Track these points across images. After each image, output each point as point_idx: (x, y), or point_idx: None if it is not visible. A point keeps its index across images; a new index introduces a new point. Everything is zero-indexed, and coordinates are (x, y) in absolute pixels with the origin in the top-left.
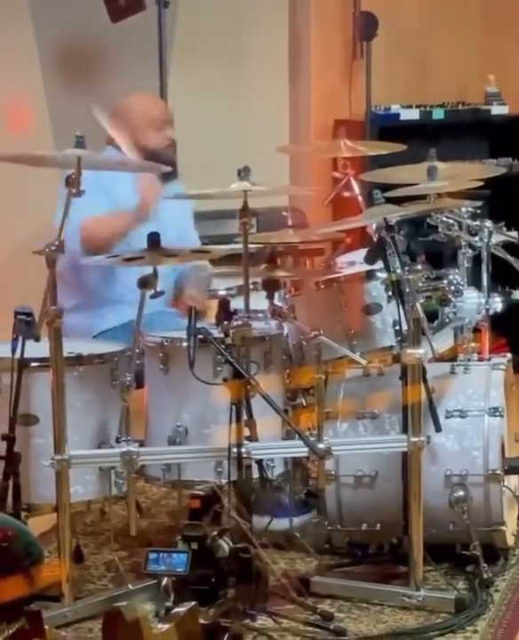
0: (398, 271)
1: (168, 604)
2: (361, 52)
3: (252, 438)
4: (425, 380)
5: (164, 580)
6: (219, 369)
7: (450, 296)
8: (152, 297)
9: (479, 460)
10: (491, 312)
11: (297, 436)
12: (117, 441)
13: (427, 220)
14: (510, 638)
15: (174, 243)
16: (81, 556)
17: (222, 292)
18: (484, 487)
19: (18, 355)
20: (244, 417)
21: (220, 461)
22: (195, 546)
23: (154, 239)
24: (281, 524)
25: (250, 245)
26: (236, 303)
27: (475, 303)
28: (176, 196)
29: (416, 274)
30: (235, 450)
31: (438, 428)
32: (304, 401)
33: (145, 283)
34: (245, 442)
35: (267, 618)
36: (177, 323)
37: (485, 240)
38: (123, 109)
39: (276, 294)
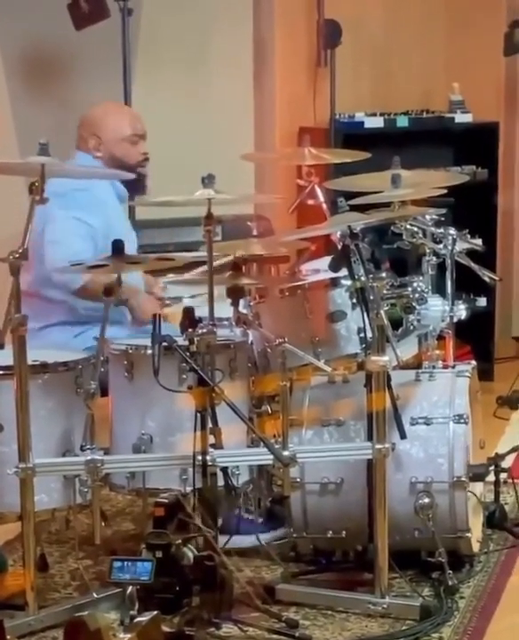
0: (363, 279)
1: (133, 612)
2: (325, 59)
3: (217, 446)
4: (389, 388)
5: (129, 589)
6: (184, 376)
7: (414, 303)
8: (116, 305)
9: (444, 467)
10: (456, 319)
11: (262, 443)
12: (82, 449)
13: (392, 227)
14: None
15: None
16: (45, 564)
17: (187, 300)
18: (449, 494)
19: None
20: (209, 425)
21: (185, 469)
22: (159, 554)
23: (118, 246)
24: (248, 540)
25: (214, 254)
26: (201, 311)
27: (439, 310)
28: (144, 202)
29: (380, 281)
30: (199, 458)
31: (403, 436)
32: (269, 408)
33: (109, 291)
34: (210, 450)
35: (232, 626)
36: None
37: (449, 248)
38: (97, 119)
39: (241, 302)
